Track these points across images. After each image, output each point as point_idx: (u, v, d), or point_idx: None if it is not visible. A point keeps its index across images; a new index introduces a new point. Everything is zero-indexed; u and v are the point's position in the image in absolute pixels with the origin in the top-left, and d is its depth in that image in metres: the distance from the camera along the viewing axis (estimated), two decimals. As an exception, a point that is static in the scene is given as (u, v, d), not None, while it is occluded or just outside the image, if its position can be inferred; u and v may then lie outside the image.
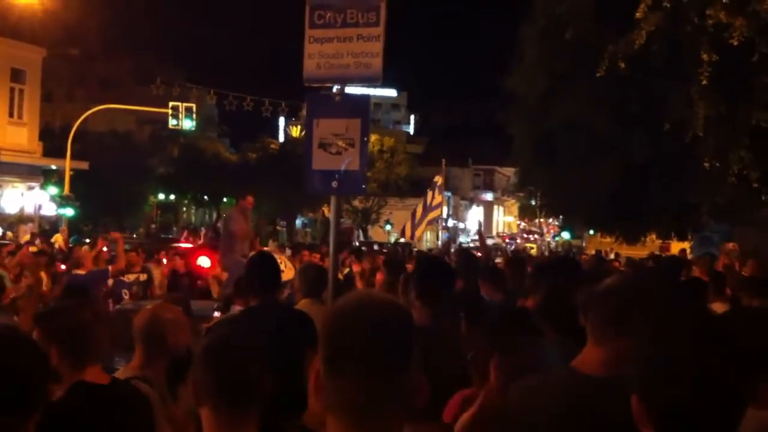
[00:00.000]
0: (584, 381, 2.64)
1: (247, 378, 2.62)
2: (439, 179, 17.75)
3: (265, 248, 17.95)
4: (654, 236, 29.70)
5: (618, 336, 2.61)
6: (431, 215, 17.23)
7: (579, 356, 2.75)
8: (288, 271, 8.96)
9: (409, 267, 10.16)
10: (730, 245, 19.98)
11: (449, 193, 72.21)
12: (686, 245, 30.69)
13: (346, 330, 1.77)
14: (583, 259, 17.01)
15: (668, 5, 13.68)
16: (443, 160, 21.81)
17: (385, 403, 1.75)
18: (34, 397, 2.48)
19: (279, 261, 8.79)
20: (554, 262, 6.56)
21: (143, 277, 12.85)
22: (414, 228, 17.32)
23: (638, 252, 26.32)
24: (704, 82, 13.73)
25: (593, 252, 29.80)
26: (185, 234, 18.85)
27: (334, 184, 5.77)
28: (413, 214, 17.62)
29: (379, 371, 1.74)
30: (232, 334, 2.82)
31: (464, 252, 11.60)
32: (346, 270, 13.49)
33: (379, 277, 8.38)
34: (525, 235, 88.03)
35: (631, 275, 6.29)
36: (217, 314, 7.45)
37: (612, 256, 27.21)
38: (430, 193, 17.39)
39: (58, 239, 22.86)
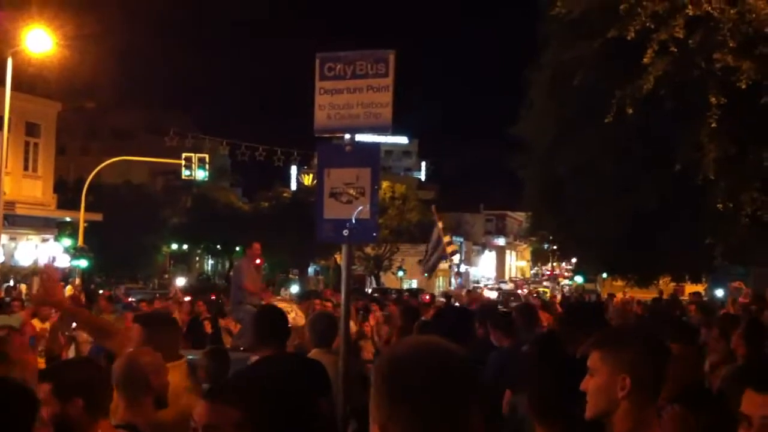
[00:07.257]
0: None
1: None
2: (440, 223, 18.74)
3: (279, 297, 17.97)
4: (668, 279, 29.46)
5: None
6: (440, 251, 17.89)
7: None
8: (298, 319, 8.99)
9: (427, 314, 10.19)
10: (736, 284, 19.75)
11: (461, 239, 72.09)
12: (701, 288, 30.48)
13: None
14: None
15: (675, 50, 13.76)
16: (433, 207, 22.25)
17: None
18: None
19: (290, 309, 8.84)
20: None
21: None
22: (426, 264, 18.48)
23: (650, 295, 26.10)
24: (713, 125, 13.74)
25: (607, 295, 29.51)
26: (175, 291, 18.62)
27: (346, 232, 5.78)
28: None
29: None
30: None
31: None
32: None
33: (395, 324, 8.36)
34: (537, 280, 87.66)
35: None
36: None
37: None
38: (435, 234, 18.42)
39: (70, 291, 22.93)
